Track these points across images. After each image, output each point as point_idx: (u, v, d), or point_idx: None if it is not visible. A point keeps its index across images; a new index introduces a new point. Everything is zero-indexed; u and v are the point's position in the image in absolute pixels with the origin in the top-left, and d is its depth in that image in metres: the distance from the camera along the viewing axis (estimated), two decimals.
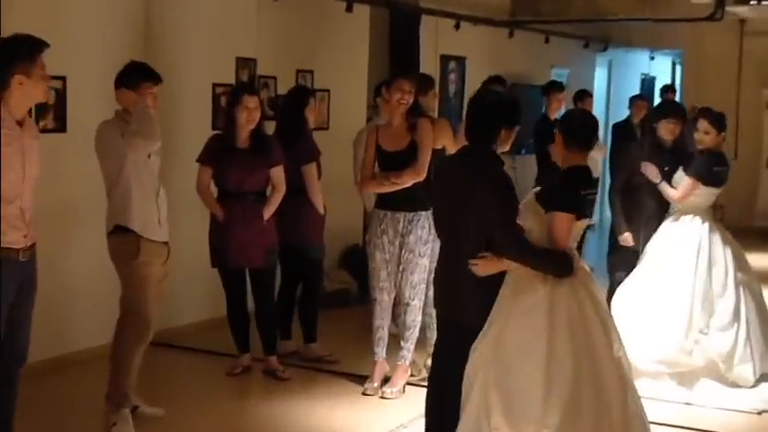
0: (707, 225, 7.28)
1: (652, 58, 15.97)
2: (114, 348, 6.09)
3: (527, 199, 4.93)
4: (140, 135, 5.85)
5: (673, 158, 7.45)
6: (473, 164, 4.95)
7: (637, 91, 15.59)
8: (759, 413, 6.79)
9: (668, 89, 13.84)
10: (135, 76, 5.96)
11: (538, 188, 5.04)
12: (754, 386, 7.09)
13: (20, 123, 4.98)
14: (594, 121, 5.15)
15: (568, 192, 4.88)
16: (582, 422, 4.61)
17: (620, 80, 16.19)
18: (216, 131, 7.58)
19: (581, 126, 5.06)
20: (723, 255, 7.23)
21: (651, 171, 7.35)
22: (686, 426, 6.43)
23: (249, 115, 6.93)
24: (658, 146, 7.59)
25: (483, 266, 4.82)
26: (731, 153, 13.84)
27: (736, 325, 7.10)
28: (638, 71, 16.39)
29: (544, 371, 4.61)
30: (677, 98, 14.09)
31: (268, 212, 7.01)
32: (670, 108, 8.29)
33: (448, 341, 5.11)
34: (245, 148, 6.97)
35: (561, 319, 4.70)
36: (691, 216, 7.29)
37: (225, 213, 6.96)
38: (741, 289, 7.21)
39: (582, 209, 4.88)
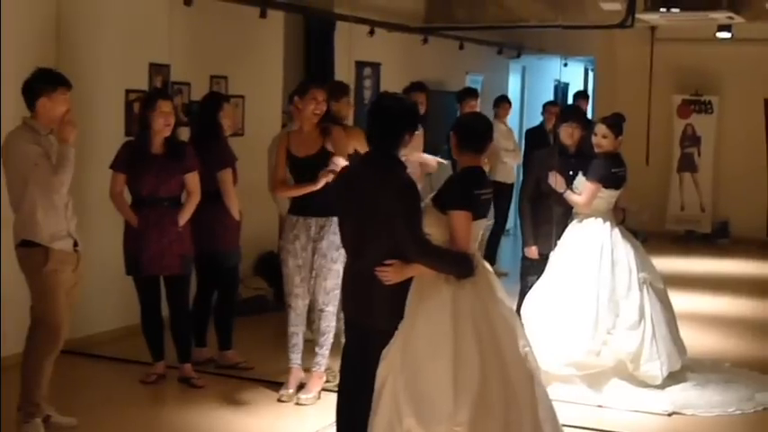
0: (608, 226, 7.45)
1: (565, 65, 16.19)
2: (24, 358, 6.06)
3: (425, 204, 5.03)
4: (56, 176, 5.84)
5: (577, 164, 7.63)
6: (378, 169, 5.02)
7: (550, 97, 15.86)
8: (669, 414, 6.93)
9: (581, 95, 14.06)
10: (46, 83, 5.94)
11: (433, 193, 5.16)
12: (663, 387, 7.26)
13: None
14: (486, 125, 5.26)
15: (462, 191, 5.01)
16: (492, 418, 4.73)
17: (533, 86, 16.43)
18: (129, 138, 7.56)
19: (472, 130, 5.20)
20: (626, 255, 7.42)
21: (558, 181, 7.53)
22: (598, 428, 6.54)
23: (165, 120, 6.94)
24: (563, 152, 7.78)
25: (393, 274, 4.89)
26: (642, 159, 14.20)
27: (642, 324, 7.28)
28: (551, 77, 16.62)
29: (452, 371, 4.72)
30: (590, 105, 14.35)
31: (183, 219, 7.03)
32: (569, 113, 8.47)
33: (355, 343, 5.19)
34: (159, 154, 6.98)
35: (466, 319, 4.82)
36: (593, 219, 7.47)
37: (140, 220, 6.96)
38: (645, 288, 7.41)
39: (476, 208, 5.01)
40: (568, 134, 7.75)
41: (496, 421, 4.75)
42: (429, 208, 5.00)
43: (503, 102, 12.43)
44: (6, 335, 6.89)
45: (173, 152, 6.99)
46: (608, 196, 7.45)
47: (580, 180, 7.49)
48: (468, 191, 5.01)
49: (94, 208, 7.71)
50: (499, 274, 6.63)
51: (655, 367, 7.22)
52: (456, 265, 4.89)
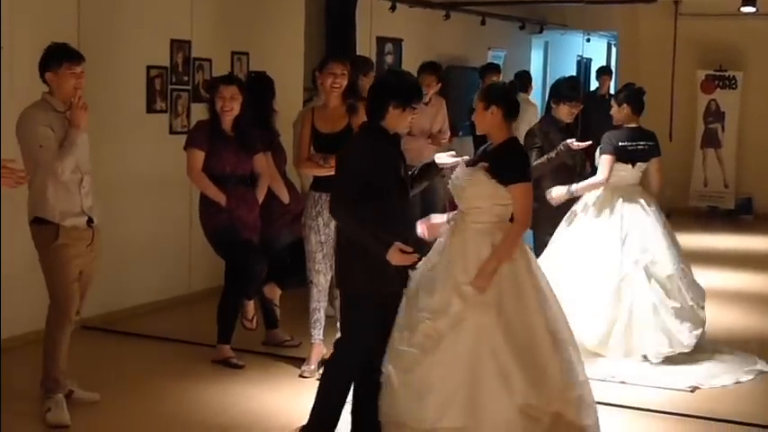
0: (619, 203, 7.45)
1: (588, 40, 16.13)
2: (44, 335, 6.10)
3: (473, 176, 5.19)
4: (58, 161, 5.82)
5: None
6: (357, 138, 5.43)
7: (573, 73, 15.78)
8: (692, 390, 6.92)
9: (604, 71, 13.98)
10: (55, 58, 5.92)
11: (482, 164, 5.21)
12: (685, 363, 7.27)
13: None
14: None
15: (522, 163, 5.28)
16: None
17: (556, 62, 16.37)
18: (150, 113, 7.54)
19: (515, 100, 5.41)
20: (630, 236, 7.39)
21: (557, 192, 7.49)
22: (623, 404, 6.50)
23: (225, 104, 6.94)
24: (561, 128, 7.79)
25: (485, 281, 5.08)
26: (665, 134, 14.09)
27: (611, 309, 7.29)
28: (574, 53, 16.56)
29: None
30: (612, 80, 14.28)
31: (261, 197, 7.09)
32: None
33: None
34: (230, 134, 6.99)
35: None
36: (604, 194, 7.50)
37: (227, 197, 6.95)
38: (637, 272, 7.37)
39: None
40: (568, 112, 7.76)
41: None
42: (483, 180, 5.15)
43: (525, 76, 12.46)
44: (33, 311, 6.91)
45: (240, 133, 7.00)
46: (623, 170, 7.44)
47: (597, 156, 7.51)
48: (527, 163, 5.37)
49: (115, 183, 7.72)
50: None
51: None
52: (372, 240, 5.05)
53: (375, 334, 5.20)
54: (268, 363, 7.19)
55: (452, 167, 5.41)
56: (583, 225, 7.51)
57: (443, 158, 5.47)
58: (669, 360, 7.27)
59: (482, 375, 4.97)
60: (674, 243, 7.59)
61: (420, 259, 5.16)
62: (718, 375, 7.15)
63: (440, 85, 9.18)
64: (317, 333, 6.91)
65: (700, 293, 7.62)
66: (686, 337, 7.36)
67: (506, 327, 5.04)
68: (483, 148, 5.47)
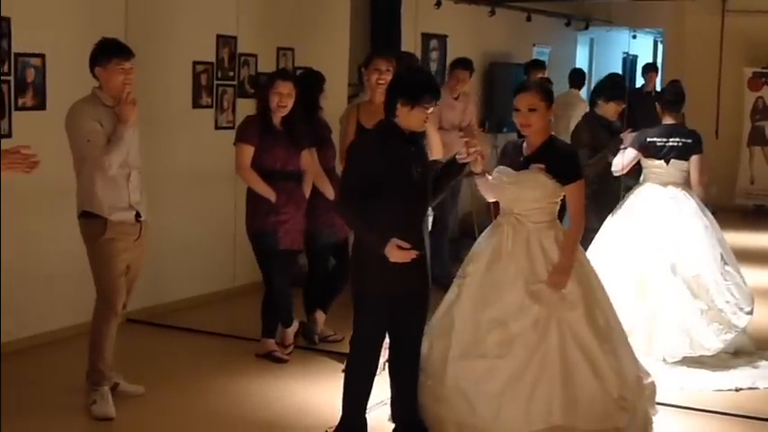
0: (658, 199, 7.46)
1: (634, 37, 15.94)
2: (90, 328, 6.12)
3: (533, 179, 5.26)
4: (105, 156, 5.84)
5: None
6: (369, 134, 5.59)
7: (619, 69, 15.62)
8: (737, 390, 6.85)
9: (650, 68, 13.89)
10: (104, 53, 5.94)
11: (537, 166, 5.26)
12: (728, 367, 7.16)
13: None
14: None
15: (578, 159, 5.44)
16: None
17: (602, 58, 16.20)
18: (196, 109, 7.55)
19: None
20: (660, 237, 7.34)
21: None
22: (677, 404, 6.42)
23: (280, 100, 6.92)
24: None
25: (562, 279, 5.20)
26: (712, 132, 13.95)
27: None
28: (620, 49, 16.37)
29: None
30: (659, 77, 14.16)
31: (306, 193, 7.07)
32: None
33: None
34: (280, 130, 6.96)
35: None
36: (646, 189, 7.56)
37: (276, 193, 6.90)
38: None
39: None
40: (614, 110, 7.92)
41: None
42: (544, 182, 5.23)
43: (579, 73, 12.49)
44: (78, 304, 6.95)
45: (290, 129, 6.97)
46: (657, 167, 7.44)
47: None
48: (579, 160, 5.49)
49: (161, 178, 7.74)
50: None
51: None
52: (370, 236, 5.08)
53: (388, 333, 5.32)
54: (311, 358, 7.19)
55: (483, 170, 5.36)
56: (618, 221, 7.50)
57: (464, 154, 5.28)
58: (695, 362, 7.13)
59: (575, 372, 5.06)
60: (715, 244, 7.42)
61: (420, 257, 5.09)
62: (757, 377, 7.03)
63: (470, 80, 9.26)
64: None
65: (743, 297, 7.40)
66: (711, 341, 7.18)
67: (589, 319, 5.16)
68: (516, 145, 5.51)
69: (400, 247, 4.99)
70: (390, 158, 5.09)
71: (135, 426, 5.96)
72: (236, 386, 6.57)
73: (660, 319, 7.16)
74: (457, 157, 5.24)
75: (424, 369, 5.30)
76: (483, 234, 5.56)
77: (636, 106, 9.89)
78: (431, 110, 5.11)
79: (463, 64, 9.28)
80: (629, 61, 16.37)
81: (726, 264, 7.43)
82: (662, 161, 7.44)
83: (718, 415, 6.35)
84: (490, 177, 5.44)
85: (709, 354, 7.19)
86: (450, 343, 5.17)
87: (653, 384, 5.42)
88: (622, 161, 7.58)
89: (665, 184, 7.47)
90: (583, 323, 5.14)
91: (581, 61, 15.59)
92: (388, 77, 6.77)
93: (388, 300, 5.17)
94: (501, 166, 5.41)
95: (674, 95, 7.62)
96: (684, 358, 7.13)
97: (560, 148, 5.40)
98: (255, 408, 6.18)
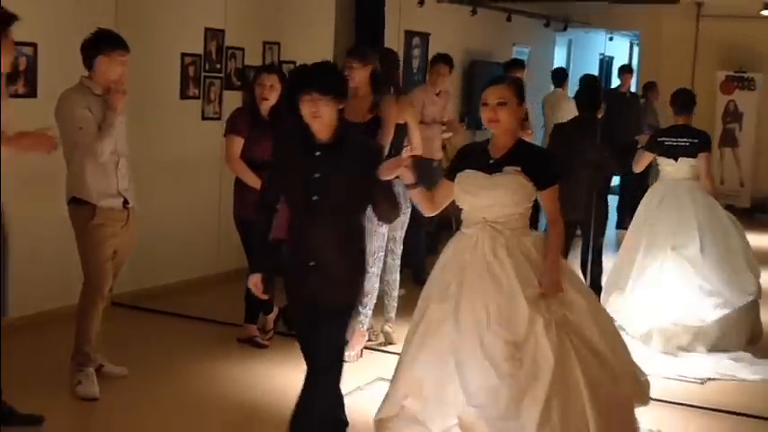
0: (669, 192, 7.80)
1: (611, 39, 16.08)
2: (77, 311, 6.16)
3: (513, 181, 4.65)
4: (98, 143, 5.86)
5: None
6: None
7: (596, 70, 15.74)
8: (702, 382, 6.92)
9: (625, 69, 13.96)
10: (108, 44, 5.97)
11: (514, 168, 4.66)
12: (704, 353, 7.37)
13: None
14: None
15: (556, 161, 4.96)
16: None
17: (579, 59, 16.32)
18: (183, 100, 7.56)
19: None
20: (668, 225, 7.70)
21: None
22: None
23: (263, 92, 6.96)
24: None
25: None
26: None
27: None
28: (596, 51, 16.51)
29: None
30: (634, 78, 14.25)
31: None
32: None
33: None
34: (268, 122, 6.97)
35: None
36: (663, 183, 7.93)
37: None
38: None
39: None
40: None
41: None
42: (524, 185, 4.65)
43: (561, 73, 12.61)
44: (68, 286, 6.98)
45: (277, 122, 6.98)
46: (668, 164, 7.79)
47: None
48: (558, 161, 5.05)
49: (149, 166, 7.77)
50: None
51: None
52: (256, 251, 4.95)
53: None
54: (290, 343, 7.18)
55: (414, 180, 4.70)
56: (637, 216, 7.96)
57: (387, 170, 4.58)
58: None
59: (595, 384, 4.58)
60: (721, 230, 7.77)
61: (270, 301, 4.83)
62: (729, 368, 7.18)
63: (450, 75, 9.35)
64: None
65: (747, 280, 7.71)
66: (707, 313, 7.47)
67: (593, 316, 4.77)
68: (478, 148, 4.86)
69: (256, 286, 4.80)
70: (283, 162, 4.74)
71: (118, 406, 5.98)
72: (219, 370, 6.61)
73: (662, 294, 7.50)
74: (381, 176, 4.55)
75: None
76: (449, 248, 4.91)
77: (612, 106, 10.00)
78: (323, 105, 4.51)
79: (443, 59, 9.36)
80: (606, 62, 16.50)
81: (730, 250, 7.77)
82: (672, 159, 7.75)
83: (686, 407, 6.44)
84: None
85: (701, 324, 7.44)
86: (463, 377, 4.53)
87: (648, 382, 5.03)
88: (636, 162, 8.02)
89: (677, 180, 7.78)
90: (587, 322, 4.70)
91: (559, 61, 15.67)
92: (357, 74, 6.85)
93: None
94: (468, 170, 4.75)
95: (685, 100, 7.96)
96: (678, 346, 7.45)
97: (535, 149, 5.00)
98: (238, 390, 6.23)
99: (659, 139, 7.87)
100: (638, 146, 8.10)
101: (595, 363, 4.62)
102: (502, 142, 4.73)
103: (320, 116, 4.52)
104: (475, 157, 4.78)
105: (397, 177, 4.67)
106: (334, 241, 4.59)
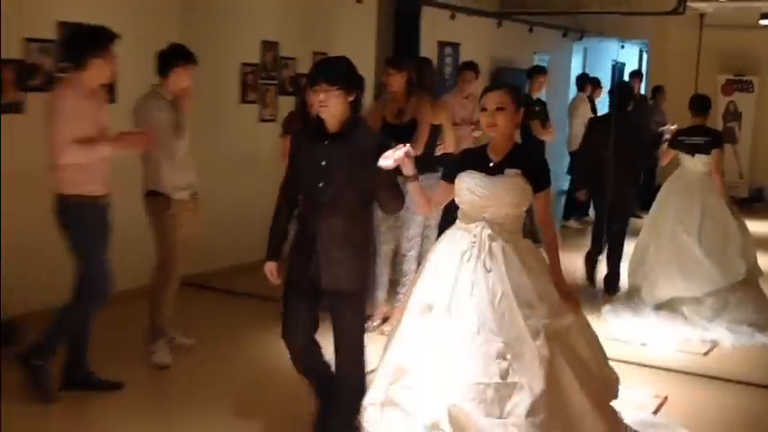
0: (684, 182, 7.93)
1: (622, 47, 15.90)
2: (149, 289, 6.22)
3: (514, 184, 4.33)
4: (176, 142, 6.00)
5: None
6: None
7: (608, 75, 15.60)
8: (705, 353, 6.88)
9: (635, 74, 13.85)
10: (181, 57, 6.04)
11: (514, 171, 4.34)
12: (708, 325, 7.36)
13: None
14: None
15: (548, 166, 4.52)
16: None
17: (593, 66, 16.15)
18: (243, 104, 7.58)
19: None
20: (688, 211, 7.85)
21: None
22: (641, 363, 6.50)
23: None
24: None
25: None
26: None
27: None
28: (609, 58, 16.32)
29: None
30: (643, 82, 14.14)
31: None
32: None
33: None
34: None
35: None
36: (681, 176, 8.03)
37: None
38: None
39: None
40: None
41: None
42: (523, 187, 4.33)
43: (584, 78, 12.55)
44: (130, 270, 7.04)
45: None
46: (686, 160, 7.91)
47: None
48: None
49: (213, 162, 7.82)
50: None
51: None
52: (269, 238, 4.71)
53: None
54: None
55: (414, 173, 4.36)
56: (657, 201, 8.13)
57: (386, 158, 4.23)
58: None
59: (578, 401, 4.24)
60: (723, 224, 7.78)
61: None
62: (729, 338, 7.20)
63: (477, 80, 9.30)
64: (381, 294, 6.98)
65: (737, 264, 7.73)
66: (703, 288, 7.54)
67: (580, 324, 4.45)
68: (477, 152, 4.54)
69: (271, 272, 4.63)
70: (296, 158, 4.56)
71: (187, 372, 6.06)
72: (273, 341, 6.64)
73: (664, 264, 7.70)
74: (380, 163, 4.23)
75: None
76: (444, 241, 4.52)
77: None
78: (322, 96, 4.39)
79: (470, 66, 9.33)
80: (618, 68, 16.32)
81: (727, 238, 7.80)
82: (688, 155, 7.86)
83: (690, 375, 6.40)
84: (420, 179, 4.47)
85: (700, 295, 7.52)
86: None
87: (617, 379, 4.61)
88: (663, 157, 8.26)
89: (693, 173, 7.87)
90: (577, 331, 4.37)
91: (576, 68, 15.54)
92: (394, 81, 6.86)
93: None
94: (471, 171, 4.40)
95: (701, 103, 8.08)
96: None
97: (532, 154, 4.59)
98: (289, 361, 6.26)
99: (679, 138, 7.97)
100: (663, 138, 8.23)
101: (581, 368, 4.27)
102: (500, 146, 4.42)
103: (327, 106, 4.37)
104: (475, 161, 4.44)
105: (400, 172, 4.35)
106: (338, 228, 4.39)
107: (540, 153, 10.19)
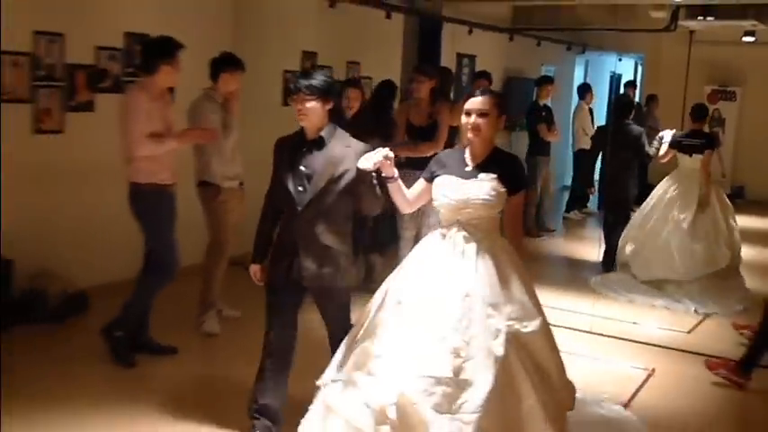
0: (679, 178, 8.12)
1: (620, 60, 15.84)
2: (202, 266, 6.28)
3: (492, 187, 3.97)
4: (225, 140, 6.04)
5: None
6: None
7: (607, 86, 15.56)
8: (688, 331, 6.89)
9: (630, 84, 13.81)
10: (230, 64, 6.10)
11: (490, 175, 3.99)
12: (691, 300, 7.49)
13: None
14: None
15: (523, 168, 4.22)
16: None
17: (594, 76, 16.11)
18: (285, 106, 7.63)
19: None
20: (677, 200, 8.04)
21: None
22: (631, 339, 6.52)
23: (347, 103, 7.06)
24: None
25: None
26: None
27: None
28: (608, 69, 16.28)
29: None
30: (637, 91, 14.09)
31: None
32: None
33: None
34: (351, 124, 7.02)
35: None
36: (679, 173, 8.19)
37: None
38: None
39: None
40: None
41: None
42: (500, 190, 3.98)
43: (586, 88, 12.53)
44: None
45: (357, 125, 7.01)
46: (684, 159, 8.06)
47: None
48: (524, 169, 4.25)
49: (257, 157, 7.85)
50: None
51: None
52: (255, 241, 4.49)
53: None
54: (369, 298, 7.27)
55: (393, 174, 4.05)
56: (655, 191, 8.28)
57: (366, 160, 3.96)
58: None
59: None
60: (712, 217, 7.92)
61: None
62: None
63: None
64: None
65: (721, 253, 7.84)
66: (691, 273, 7.65)
67: (544, 330, 3.96)
68: (454, 155, 4.17)
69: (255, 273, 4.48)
70: (276, 161, 4.44)
71: (234, 340, 6.13)
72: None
73: (658, 249, 7.82)
74: (359, 165, 3.98)
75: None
76: (421, 244, 4.19)
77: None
78: (299, 105, 4.27)
79: (482, 76, 9.35)
80: (615, 79, 16.26)
81: (715, 229, 7.92)
82: (685, 155, 8.01)
83: (674, 351, 6.41)
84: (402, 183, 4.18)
85: (680, 278, 7.64)
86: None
87: (574, 388, 4.10)
88: (661, 154, 8.23)
89: (690, 171, 8.00)
90: (540, 337, 3.89)
91: (578, 78, 15.50)
92: (421, 86, 6.85)
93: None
94: (446, 175, 4.06)
95: (699, 111, 8.25)
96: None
97: (507, 157, 4.12)
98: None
99: (679, 139, 8.07)
100: (659, 136, 8.27)
101: (539, 375, 3.82)
102: (479, 151, 4.05)
103: (306, 114, 4.21)
104: (452, 164, 4.09)
105: (379, 172, 4.05)
106: (317, 229, 4.18)
107: (546, 152, 10.22)
